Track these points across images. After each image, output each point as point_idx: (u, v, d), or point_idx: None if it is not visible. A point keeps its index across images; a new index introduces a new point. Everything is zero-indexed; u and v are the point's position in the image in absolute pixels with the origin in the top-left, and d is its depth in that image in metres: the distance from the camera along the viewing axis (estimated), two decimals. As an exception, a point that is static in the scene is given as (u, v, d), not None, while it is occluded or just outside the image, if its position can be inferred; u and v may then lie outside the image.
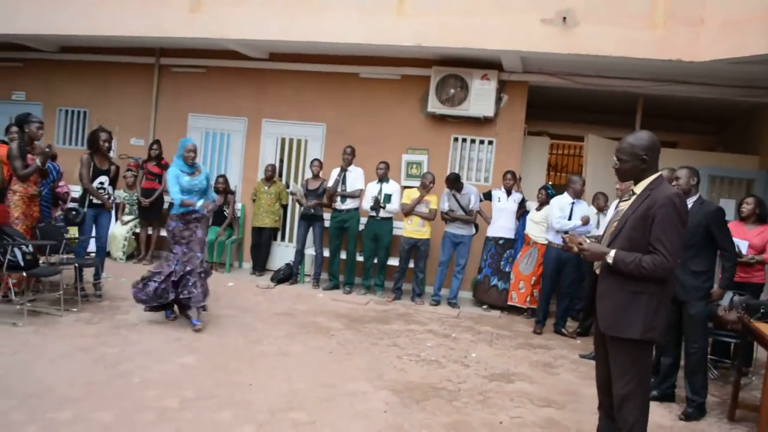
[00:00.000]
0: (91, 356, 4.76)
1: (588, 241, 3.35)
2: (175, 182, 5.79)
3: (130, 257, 9.08)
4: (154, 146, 8.96)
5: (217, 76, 9.43)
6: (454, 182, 7.80)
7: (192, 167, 5.92)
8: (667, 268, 3.04)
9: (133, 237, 9.14)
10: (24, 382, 4.11)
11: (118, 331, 5.51)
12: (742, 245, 5.79)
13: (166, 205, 8.96)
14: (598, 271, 3.33)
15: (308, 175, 8.67)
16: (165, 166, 8.89)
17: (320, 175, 8.37)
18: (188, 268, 5.77)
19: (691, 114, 10.37)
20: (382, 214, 8.00)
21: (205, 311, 6.03)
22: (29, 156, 6.08)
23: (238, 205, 9.24)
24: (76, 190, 8.28)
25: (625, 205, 3.27)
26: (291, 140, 9.41)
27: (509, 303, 7.77)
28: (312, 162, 8.47)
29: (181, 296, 5.75)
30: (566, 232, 6.74)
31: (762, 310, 4.46)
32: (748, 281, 5.86)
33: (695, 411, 4.65)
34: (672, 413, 4.69)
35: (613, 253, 3.13)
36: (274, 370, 4.85)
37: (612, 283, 3.21)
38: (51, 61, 10.09)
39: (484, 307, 8.01)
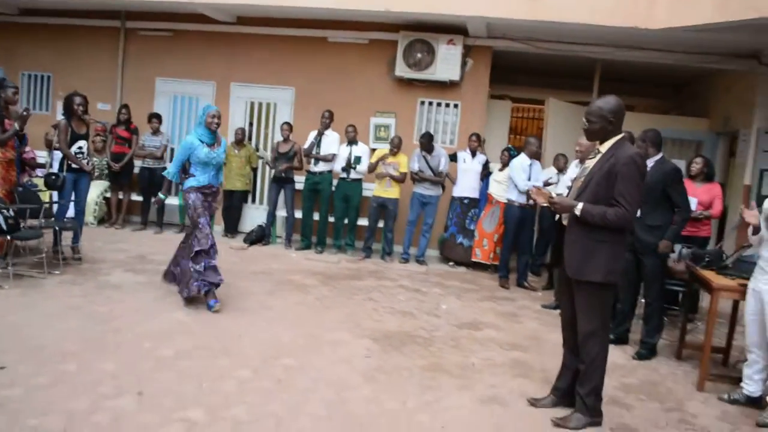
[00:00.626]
0: (82, 314, 4.95)
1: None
2: (183, 156, 5.38)
3: (101, 222, 9.17)
4: (123, 110, 8.96)
5: (185, 40, 9.44)
6: (428, 142, 8.10)
7: (213, 137, 5.46)
8: (628, 219, 3.43)
9: (104, 202, 9.22)
10: (21, 339, 4.29)
11: (103, 291, 5.69)
12: (692, 202, 6.25)
13: (136, 170, 9.04)
14: (565, 223, 3.70)
15: (278, 138, 8.85)
16: (134, 131, 8.95)
17: (290, 138, 8.55)
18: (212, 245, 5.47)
19: (646, 79, 10.83)
20: (353, 175, 8.27)
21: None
22: (6, 121, 6.13)
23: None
24: (42, 156, 8.32)
25: (591, 163, 3.63)
26: (260, 104, 9.54)
27: (473, 259, 8.17)
28: (282, 125, 8.64)
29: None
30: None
31: (707, 259, 4.92)
32: (695, 235, 6.34)
33: (648, 352, 5.14)
34: (626, 354, 5.16)
35: (580, 205, 3.50)
36: (259, 323, 5.14)
37: (578, 234, 3.58)
38: (12, 24, 9.91)
39: (451, 263, 8.40)
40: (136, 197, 9.17)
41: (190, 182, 5.46)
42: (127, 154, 8.87)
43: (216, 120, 5.41)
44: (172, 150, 9.56)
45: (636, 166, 3.47)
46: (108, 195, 9.15)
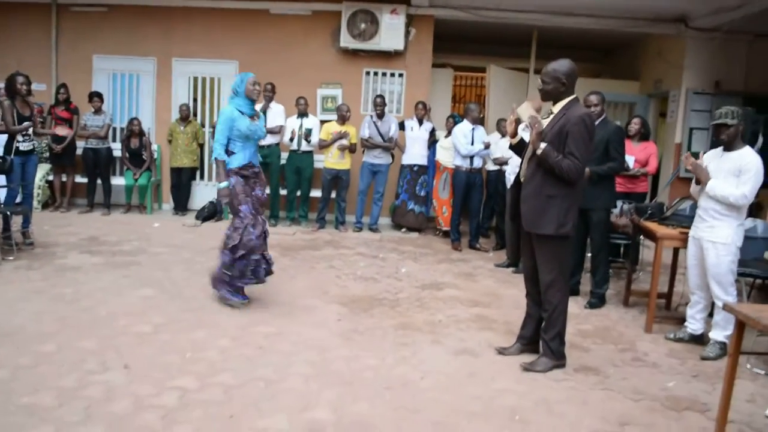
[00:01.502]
0: (48, 297, 4.93)
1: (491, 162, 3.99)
2: (227, 129, 4.68)
3: (45, 206, 8.95)
4: (62, 90, 8.66)
5: (122, 15, 9.18)
6: (383, 102, 8.32)
7: (253, 107, 4.86)
8: (579, 171, 3.71)
9: (47, 185, 8.99)
10: (-9, 324, 4.28)
11: (64, 273, 5.64)
12: (630, 160, 6.66)
13: (79, 151, 8.83)
14: (522, 180, 3.96)
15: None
16: (75, 111, 8.71)
17: None
18: (262, 236, 4.87)
19: (580, 44, 11.22)
20: (304, 147, 8.36)
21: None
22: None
23: (154, 147, 9.24)
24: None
25: (544, 123, 3.88)
26: (204, 79, 9.42)
27: (438, 227, 8.39)
28: None
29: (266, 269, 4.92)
30: (472, 157, 7.48)
31: (649, 212, 5.31)
32: (633, 191, 6.76)
33: (598, 301, 5.52)
34: (579, 304, 5.52)
35: (543, 145, 3.75)
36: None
37: (533, 189, 3.85)
38: (-68, 3, 9.41)
39: (403, 230, 8.64)
40: (80, 179, 8.98)
41: (229, 162, 4.78)
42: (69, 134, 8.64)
43: (257, 87, 4.81)
44: (116, 129, 9.40)
45: (585, 125, 3.73)
46: (50, 178, 8.92)
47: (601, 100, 5.57)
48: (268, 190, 4.83)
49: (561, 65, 3.82)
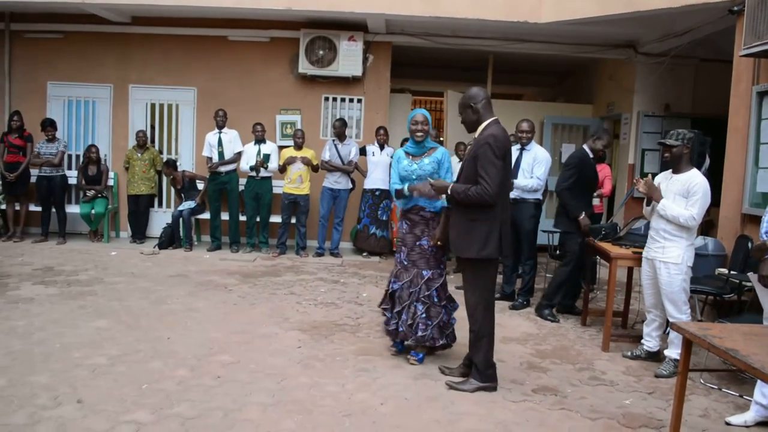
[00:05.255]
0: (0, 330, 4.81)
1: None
2: (394, 170, 4.51)
3: (-3, 235, 8.74)
4: (15, 118, 8.53)
5: (77, 42, 9.09)
6: (341, 125, 8.42)
7: (420, 146, 4.44)
8: (489, 194, 3.74)
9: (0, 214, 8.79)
10: (-62, 359, 4.14)
11: (17, 305, 5.50)
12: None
13: (33, 179, 8.65)
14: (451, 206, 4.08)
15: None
16: (29, 138, 8.57)
17: (180, 174, 8.85)
18: (411, 291, 4.43)
19: (535, 69, 11.52)
20: (263, 173, 8.34)
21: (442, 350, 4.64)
22: None
23: (111, 174, 9.11)
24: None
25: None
26: (161, 105, 9.36)
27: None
28: (163, 169, 8.87)
29: (404, 330, 4.44)
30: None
31: (603, 233, 5.44)
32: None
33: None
34: (537, 324, 5.61)
35: (451, 185, 3.91)
36: (187, 324, 5.17)
37: (456, 216, 3.97)
38: None
39: (365, 254, 8.65)
40: (35, 208, 8.79)
41: (398, 204, 4.66)
42: (22, 162, 8.47)
43: (418, 126, 4.39)
44: (70, 157, 9.24)
45: (489, 146, 3.76)
46: (3, 207, 8.71)
47: (532, 127, 5.85)
48: (424, 241, 4.44)
49: (468, 93, 3.97)
